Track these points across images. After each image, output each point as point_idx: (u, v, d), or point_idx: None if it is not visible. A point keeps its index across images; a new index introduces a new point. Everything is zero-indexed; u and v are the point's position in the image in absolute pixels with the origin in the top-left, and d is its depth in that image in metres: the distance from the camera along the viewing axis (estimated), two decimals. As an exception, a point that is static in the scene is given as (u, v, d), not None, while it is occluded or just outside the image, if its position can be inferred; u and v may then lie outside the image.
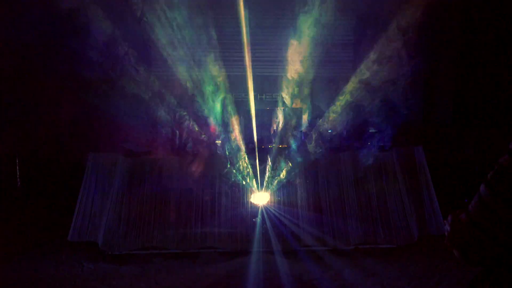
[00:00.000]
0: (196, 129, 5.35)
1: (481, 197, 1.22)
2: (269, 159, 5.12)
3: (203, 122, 5.44)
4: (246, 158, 5.14)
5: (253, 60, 6.33)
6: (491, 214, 1.19)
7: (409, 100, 6.07)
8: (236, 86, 6.17)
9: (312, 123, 6.00)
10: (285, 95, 5.94)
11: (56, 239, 4.83)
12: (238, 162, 5.07)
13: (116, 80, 5.35)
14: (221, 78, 5.78)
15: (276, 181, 5.04)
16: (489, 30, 6.19)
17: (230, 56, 6.00)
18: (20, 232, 5.11)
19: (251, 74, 5.77)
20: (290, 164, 5.08)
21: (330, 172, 5.02)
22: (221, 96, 5.63)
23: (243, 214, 4.86)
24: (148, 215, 4.75)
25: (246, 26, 5.80)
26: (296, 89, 5.81)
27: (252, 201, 4.95)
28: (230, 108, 5.55)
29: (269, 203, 4.95)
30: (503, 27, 5.99)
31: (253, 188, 5.00)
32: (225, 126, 5.47)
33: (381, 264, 4.27)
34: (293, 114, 5.65)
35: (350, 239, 4.74)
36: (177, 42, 5.85)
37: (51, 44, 5.77)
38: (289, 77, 5.87)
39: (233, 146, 5.21)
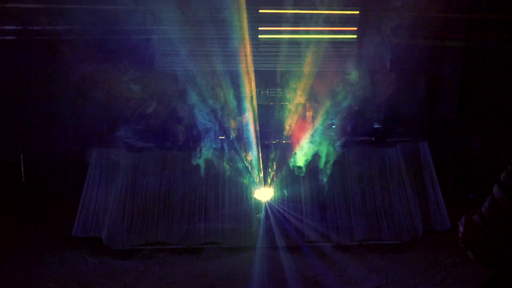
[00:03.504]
0: (199, 125, 5.32)
1: (494, 198, 1.22)
2: (273, 154, 5.10)
3: (207, 118, 5.42)
4: (250, 154, 5.12)
5: (257, 56, 6.30)
6: (504, 215, 1.18)
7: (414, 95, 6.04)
8: (240, 82, 6.13)
9: (316, 119, 5.96)
10: (290, 91, 5.91)
11: (60, 234, 4.84)
12: (241, 157, 5.06)
13: (118, 76, 5.34)
14: (225, 74, 5.75)
15: (280, 177, 5.02)
16: (495, 23, 6.12)
17: (235, 51, 5.96)
18: (24, 228, 5.13)
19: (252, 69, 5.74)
20: (294, 160, 5.05)
21: (334, 168, 4.99)
22: (225, 92, 5.60)
23: (247, 210, 4.85)
24: (152, 211, 4.75)
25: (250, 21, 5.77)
26: (300, 84, 5.77)
27: (256, 197, 4.93)
28: (234, 104, 5.52)
29: (273, 199, 4.94)
30: (509, 20, 5.92)
31: (257, 184, 4.99)
32: (229, 122, 5.44)
33: (386, 260, 4.26)
34: (298, 110, 5.62)
35: (354, 235, 4.72)
36: (178, 37, 5.82)
37: (52, 41, 5.77)
38: (293, 72, 5.83)
39: (237, 142, 5.19)
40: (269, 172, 5.07)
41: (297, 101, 5.82)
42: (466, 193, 5.15)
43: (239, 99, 5.53)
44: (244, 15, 5.39)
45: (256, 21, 6.58)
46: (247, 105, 5.67)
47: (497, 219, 1.21)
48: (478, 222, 1.27)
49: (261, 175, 5.05)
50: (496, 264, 1.29)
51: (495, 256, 1.25)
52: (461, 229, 1.37)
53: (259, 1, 6.55)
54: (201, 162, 4.92)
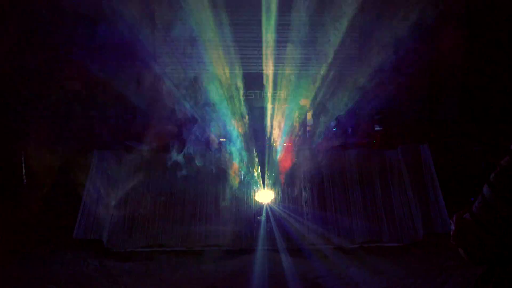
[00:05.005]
0: (201, 127, 5.34)
1: (484, 197, 1.25)
2: (274, 157, 5.11)
3: (209, 120, 5.43)
4: (251, 156, 5.13)
5: (258, 58, 6.32)
6: (493, 213, 1.22)
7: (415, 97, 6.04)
8: (241, 84, 6.16)
9: (317, 121, 5.98)
10: (290, 93, 5.92)
11: (62, 236, 4.84)
12: (243, 160, 5.06)
13: (120, 78, 5.36)
14: (227, 76, 5.76)
15: (280, 179, 5.02)
16: (495, 25, 6.12)
17: (238, 53, 5.97)
18: (26, 230, 5.13)
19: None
20: (295, 162, 5.06)
21: (335, 170, 4.99)
22: (227, 94, 5.62)
23: (248, 212, 4.85)
24: (153, 213, 4.76)
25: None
26: (301, 86, 5.79)
27: (257, 199, 4.94)
28: (235, 106, 5.54)
29: (274, 201, 4.94)
30: (509, 22, 5.93)
31: (258, 186, 4.99)
32: (230, 124, 5.46)
33: (387, 263, 4.25)
34: (298, 112, 5.63)
35: (355, 237, 4.72)
36: (182, 39, 5.85)
37: (55, 43, 5.79)
38: (295, 75, 5.84)
39: (238, 144, 5.20)
40: (270, 174, 5.07)
41: (298, 103, 5.84)
42: (467, 196, 5.15)
43: (238, 101, 5.55)
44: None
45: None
46: (246, 107, 5.69)
47: (487, 218, 1.24)
48: (469, 221, 1.30)
49: (262, 177, 5.06)
50: (486, 261, 1.32)
51: (485, 254, 1.28)
52: (452, 227, 1.40)
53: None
54: (202, 164, 4.94)
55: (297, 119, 5.60)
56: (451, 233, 1.42)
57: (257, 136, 5.40)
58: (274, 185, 5.01)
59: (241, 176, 4.98)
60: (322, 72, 6.00)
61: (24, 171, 6.22)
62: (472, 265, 1.39)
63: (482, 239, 1.26)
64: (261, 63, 6.45)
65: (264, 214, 4.83)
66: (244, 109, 5.71)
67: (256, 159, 5.13)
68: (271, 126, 5.66)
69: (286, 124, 5.59)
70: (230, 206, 4.83)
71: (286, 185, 4.98)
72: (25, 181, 6.23)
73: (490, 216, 1.23)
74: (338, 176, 4.98)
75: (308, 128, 5.75)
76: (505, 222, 1.19)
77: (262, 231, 4.72)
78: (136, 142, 5.25)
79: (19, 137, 6.18)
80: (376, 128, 5.78)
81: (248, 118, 5.62)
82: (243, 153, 5.13)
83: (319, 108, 6.07)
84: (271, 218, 4.82)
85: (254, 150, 5.20)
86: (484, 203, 1.25)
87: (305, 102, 5.89)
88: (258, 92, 6.39)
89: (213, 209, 4.81)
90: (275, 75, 6.32)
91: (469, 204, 1.36)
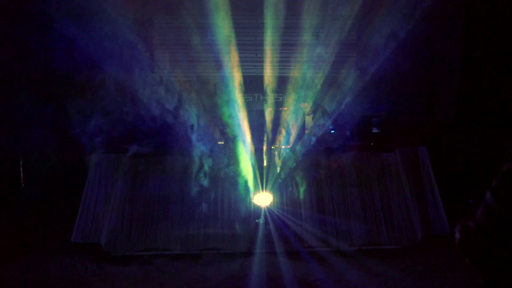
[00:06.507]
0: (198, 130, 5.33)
1: (487, 204, 1.23)
2: (272, 159, 5.11)
3: (206, 123, 5.43)
4: (250, 159, 5.13)
5: (258, 61, 6.32)
6: (497, 220, 1.20)
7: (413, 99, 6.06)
8: (242, 86, 6.15)
9: (315, 124, 5.98)
10: (289, 96, 5.93)
11: (60, 240, 4.83)
12: (241, 162, 5.06)
13: (119, 81, 5.35)
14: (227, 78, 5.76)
15: (279, 182, 5.03)
16: (493, 28, 6.15)
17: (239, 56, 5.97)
18: (24, 233, 5.12)
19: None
20: (294, 165, 5.06)
21: (333, 173, 5.00)
22: (226, 97, 5.61)
23: (246, 215, 4.85)
24: (151, 216, 4.75)
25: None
26: (299, 89, 5.79)
27: (255, 202, 4.94)
28: (234, 109, 5.53)
29: (272, 204, 4.94)
30: (507, 25, 5.95)
31: (256, 189, 4.99)
32: (229, 126, 5.45)
33: (385, 265, 4.25)
34: (297, 115, 5.64)
35: (353, 240, 4.72)
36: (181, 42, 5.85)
37: (51, 45, 5.79)
38: (294, 78, 5.85)
39: (237, 147, 5.19)
40: (268, 177, 5.07)
41: (296, 106, 5.83)
42: (465, 198, 5.16)
43: (237, 104, 5.54)
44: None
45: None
46: (245, 110, 5.68)
47: (491, 225, 1.23)
48: (473, 228, 1.29)
49: (261, 180, 5.06)
50: (491, 268, 1.30)
51: (491, 261, 1.26)
52: (457, 235, 1.38)
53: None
54: (200, 167, 4.93)
55: (296, 121, 5.60)
56: (456, 241, 1.40)
57: (255, 138, 5.39)
58: (272, 187, 5.01)
59: (239, 179, 4.98)
60: (319, 75, 6.01)
61: (22, 174, 6.21)
62: (471, 267, 1.38)
63: (487, 247, 1.24)
64: (261, 65, 6.46)
65: (262, 217, 4.83)
66: (242, 112, 5.70)
67: (255, 162, 5.12)
68: (270, 128, 5.66)
69: (284, 126, 5.59)
70: (228, 209, 4.83)
71: (284, 188, 4.99)
72: (23, 184, 6.22)
73: (494, 223, 1.21)
74: (336, 178, 4.99)
75: (306, 131, 5.75)
76: (509, 229, 1.18)
77: (260, 234, 4.72)
78: (134, 144, 5.24)
79: (17, 140, 6.17)
80: (374, 131, 5.78)
81: (247, 121, 5.61)
82: (242, 155, 5.13)
83: (317, 111, 6.07)
84: (270, 221, 4.82)
85: (253, 152, 5.20)
86: (487, 210, 1.23)
87: (304, 105, 5.89)
88: (256, 95, 6.39)
89: (211, 212, 4.81)
90: (274, 78, 6.33)
91: (473, 209, 1.34)
